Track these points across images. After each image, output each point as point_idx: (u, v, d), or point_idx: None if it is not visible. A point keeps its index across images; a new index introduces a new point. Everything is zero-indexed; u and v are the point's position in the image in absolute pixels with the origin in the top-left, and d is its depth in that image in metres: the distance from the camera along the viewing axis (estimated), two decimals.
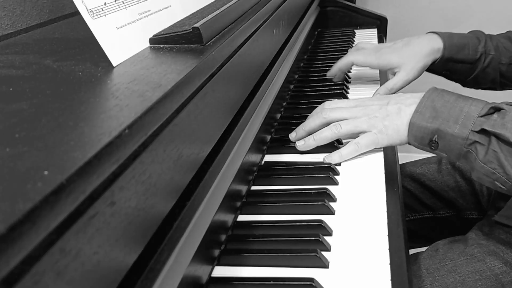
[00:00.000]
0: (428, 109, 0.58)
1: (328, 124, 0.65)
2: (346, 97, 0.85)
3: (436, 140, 0.57)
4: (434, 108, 0.58)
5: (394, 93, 0.83)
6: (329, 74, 0.90)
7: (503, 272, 0.62)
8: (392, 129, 0.62)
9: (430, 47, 0.83)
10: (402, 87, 0.82)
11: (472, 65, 0.85)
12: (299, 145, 0.66)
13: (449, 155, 0.58)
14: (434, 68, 0.87)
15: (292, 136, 0.69)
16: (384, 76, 0.92)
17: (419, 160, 0.92)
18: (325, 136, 0.65)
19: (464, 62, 0.85)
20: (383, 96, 0.67)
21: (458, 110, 0.56)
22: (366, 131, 0.63)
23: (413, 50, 0.82)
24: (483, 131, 0.54)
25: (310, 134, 0.67)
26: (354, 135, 0.65)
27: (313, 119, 0.67)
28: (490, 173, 0.54)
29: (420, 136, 0.59)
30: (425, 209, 0.88)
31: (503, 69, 0.86)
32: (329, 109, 0.66)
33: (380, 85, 0.87)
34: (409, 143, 0.62)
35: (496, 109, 0.55)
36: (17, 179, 0.22)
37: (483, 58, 0.85)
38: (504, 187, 0.54)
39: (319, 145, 0.66)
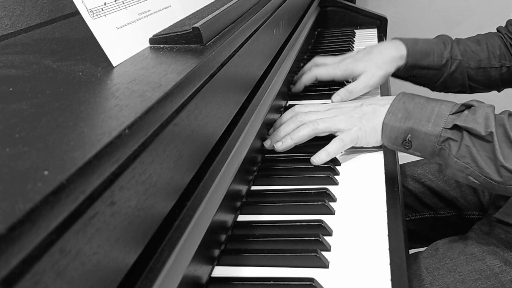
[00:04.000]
0: (400, 110, 0.60)
1: None
2: None
3: (410, 139, 0.59)
4: (406, 109, 0.60)
5: (353, 98, 0.82)
6: (295, 90, 0.89)
7: (502, 271, 0.62)
8: (370, 128, 0.63)
9: (392, 54, 0.83)
10: (362, 92, 0.82)
11: (438, 71, 0.85)
12: (277, 146, 0.66)
13: (423, 153, 0.59)
14: (400, 74, 0.86)
15: (267, 143, 0.68)
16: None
17: (420, 160, 0.92)
18: (303, 133, 0.65)
19: (429, 68, 0.84)
20: (355, 100, 0.68)
21: (429, 109, 0.58)
22: (344, 130, 0.64)
23: (375, 59, 0.82)
24: (455, 127, 0.56)
25: None
26: (331, 134, 0.65)
27: (288, 124, 0.67)
28: (464, 168, 0.56)
29: (394, 136, 0.60)
30: (426, 209, 0.88)
31: (472, 73, 0.86)
32: (304, 112, 0.67)
33: (380, 89, 0.87)
34: (383, 144, 0.63)
35: (466, 106, 0.57)
36: (17, 179, 0.22)
37: (449, 63, 0.85)
38: (477, 181, 0.56)
39: (297, 143, 0.66)
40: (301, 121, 0.66)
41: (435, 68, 0.84)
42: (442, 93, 0.92)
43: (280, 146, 0.66)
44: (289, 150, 0.67)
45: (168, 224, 0.36)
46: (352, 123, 0.64)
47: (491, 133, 0.53)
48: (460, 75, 0.86)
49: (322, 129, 0.64)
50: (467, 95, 0.93)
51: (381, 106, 0.63)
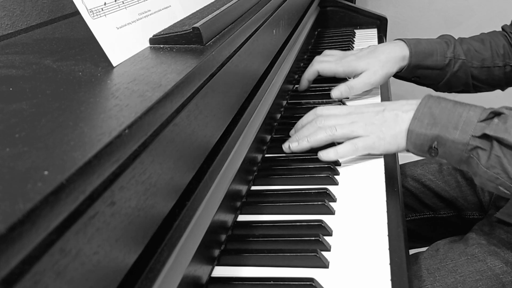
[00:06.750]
0: (426, 116, 0.58)
1: None
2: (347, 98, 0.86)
3: (436, 146, 0.57)
4: (432, 115, 0.57)
5: (353, 94, 0.82)
6: (300, 88, 0.89)
7: (503, 272, 0.62)
8: (390, 136, 0.61)
9: (395, 55, 0.83)
10: (363, 89, 0.82)
11: (441, 71, 0.85)
12: (293, 146, 0.66)
13: (449, 161, 0.57)
14: (403, 75, 0.86)
15: (286, 146, 0.67)
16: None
17: (420, 160, 0.92)
18: (320, 138, 0.64)
19: (432, 68, 0.84)
20: (378, 103, 0.66)
21: (457, 116, 0.56)
22: (362, 137, 0.63)
23: (378, 57, 0.82)
24: (484, 136, 0.53)
25: None
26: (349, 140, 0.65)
27: (307, 128, 0.66)
28: (494, 178, 0.53)
29: (419, 143, 0.58)
30: (426, 209, 0.88)
31: (475, 72, 0.86)
32: (324, 117, 0.66)
33: (380, 89, 0.87)
34: (407, 151, 0.61)
35: (496, 113, 0.55)
36: (17, 179, 0.22)
37: (453, 63, 0.84)
38: (508, 192, 0.54)
39: (313, 147, 0.65)
40: (320, 126, 0.65)
41: (438, 68, 0.84)
42: (446, 93, 0.92)
43: (296, 147, 0.65)
44: None
45: (168, 224, 0.36)
46: (371, 130, 0.62)
47: None
48: (463, 75, 0.86)
49: (339, 135, 0.63)
50: (485, 94, 0.93)
51: (403, 112, 0.61)
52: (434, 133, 0.56)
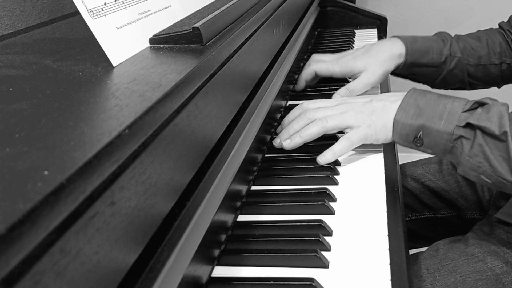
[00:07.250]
0: (412, 107, 0.59)
1: None
2: None
3: (421, 136, 0.58)
4: (418, 106, 0.59)
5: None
6: (298, 88, 0.89)
7: (503, 272, 0.62)
8: (380, 125, 0.62)
9: (392, 53, 0.83)
10: (363, 90, 0.82)
11: (437, 68, 0.85)
12: (286, 144, 0.65)
13: (434, 151, 0.58)
14: (399, 72, 0.86)
15: (277, 142, 0.67)
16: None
17: (420, 160, 0.92)
18: (312, 132, 0.64)
19: (429, 66, 0.84)
20: (365, 95, 0.67)
21: (441, 106, 0.57)
22: (353, 126, 0.63)
23: (375, 56, 0.82)
24: (468, 125, 0.55)
25: None
26: (341, 131, 0.65)
27: (297, 121, 0.66)
28: (476, 167, 0.55)
29: (405, 133, 0.59)
30: (426, 209, 0.88)
31: (471, 70, 0.86)
32: (313, 109, 0.66)
33: (380, 89, 0.87)
34: (394, 141, 0.62)
35: (479, 103, 0.56)
36: (17, 179, 0.22)
37: (449, 60, 0.85)
38: (489, 181, 0.55)
39: (306, 141, 0.65)
40: (310, 119, 0.65)
41: (434, 65, 0.84)
42: (443, 90, 0.92)
43: (289, 144, 0.65)
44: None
45: (168, 224, 0.36)
46: (362, 119, 0.63)
47: (505, 132, 0.52)
48: (459, 72, 0.86)
49: (331, 126, 0.63)
50: (481, 91, 0.93)
51: (391, 103, 0.62)
52: (420, 123, 0.58)
